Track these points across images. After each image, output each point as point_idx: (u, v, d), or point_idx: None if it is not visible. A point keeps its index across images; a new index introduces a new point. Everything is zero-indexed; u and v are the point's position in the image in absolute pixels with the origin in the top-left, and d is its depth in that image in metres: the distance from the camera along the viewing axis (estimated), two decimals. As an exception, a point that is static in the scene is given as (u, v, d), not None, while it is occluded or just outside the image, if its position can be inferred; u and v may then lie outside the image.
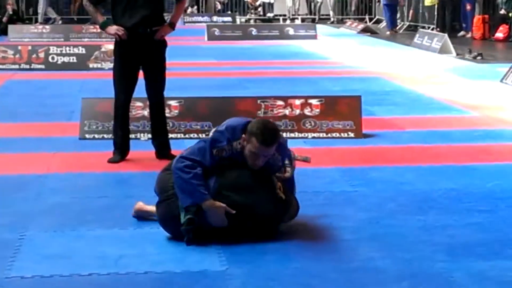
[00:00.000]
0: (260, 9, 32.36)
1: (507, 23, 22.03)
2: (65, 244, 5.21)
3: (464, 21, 24.13)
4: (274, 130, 5.29)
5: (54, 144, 8.23)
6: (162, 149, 7.58)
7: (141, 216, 5.70)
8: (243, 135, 5.25)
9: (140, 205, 5.74)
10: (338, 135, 8.68)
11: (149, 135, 7.99)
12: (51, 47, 15.28)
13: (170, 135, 7.92)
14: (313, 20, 30.59)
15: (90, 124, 8.59)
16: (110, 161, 7.52)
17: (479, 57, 17.12)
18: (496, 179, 6.90)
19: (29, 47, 15.35)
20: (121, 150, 7.59)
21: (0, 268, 4.75)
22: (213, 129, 5.53)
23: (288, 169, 5.54)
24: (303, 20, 30.99)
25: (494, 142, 8.50)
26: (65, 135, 8.71)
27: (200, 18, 29.28)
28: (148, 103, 7.80)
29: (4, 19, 24.64)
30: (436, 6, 24.78)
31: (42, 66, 14.94)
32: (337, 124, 8.72)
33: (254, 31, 23.36)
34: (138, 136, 8.46)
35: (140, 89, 7.62)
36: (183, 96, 8.98)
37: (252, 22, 30.45)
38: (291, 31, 23.24)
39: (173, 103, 8.67)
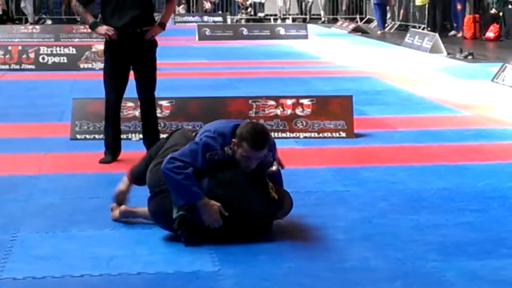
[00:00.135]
0: (250, 9, 32.35)
1: (497, 22, 22.08)
2: (56, 245, 5.20)
3: (455, 20, 24.17)
4: (264, 133, 5.27)
5: (45, 145, 8.21)
6: (154, 149, 7.55)
7: (126, 217, 5.66)
8: (233, 140, 5.23)
9: (125, 207, 5.69)
10: (329, 135, 8.68)
11: (141, 135, 7.99)
12: (41, 47, 15.24)
13: (162, 135, 7.89)
14: (304, 20, 30.61)
15: (81, 125, 8.57)
16: (102, 161, 7.50)
17: (470, 57, 17.15)
18: (488, 178, 6.91)
19: (19, 47, 15.30)
20: (113, 150, 7.58)
21: (-8, 269, 4.74)
22: (201, 132, 5.46)
23: (274, 162, 5.53)
24: (294, 20, 31.01)
25: (486, 142, 8.51)
26: (56, 136, 8.69)
27: (190, 18, 29.27)
28: (139, 103, 7.79)
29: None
30: (426, 6, 24.82)
31: (33, 67, 14.90)
32: (329, 124, 8.72)
33: (245, 31, 23.36)
34: (130, 137, 8.44)
35: (132, 89, 7.60)
36: (174, 96, 8.97)
37: (243, 22, 30.44)
38: (282, 31, 23.24)
39: (164, 103, 8.66)
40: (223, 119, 5.81)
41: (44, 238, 5.33)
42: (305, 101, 8.86)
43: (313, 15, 32.05)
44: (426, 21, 24.74)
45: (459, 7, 23.57)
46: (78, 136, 8.52)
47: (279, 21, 29.90)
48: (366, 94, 11.66)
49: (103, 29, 7.43)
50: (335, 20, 30.32)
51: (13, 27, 22.84)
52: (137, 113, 8.33)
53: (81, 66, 14.91)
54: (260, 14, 32.20)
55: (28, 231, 5.47)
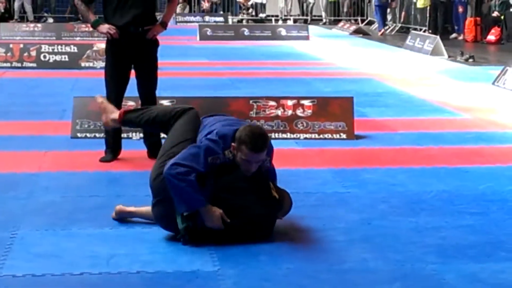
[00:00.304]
0: (251, 9, 32.36)
1: (499, 25, 22.09)
2: (56, 243, 5.20)
3: (456, 23, 24.19)
4: (262, 135, 5.25)
5: (46, 143, 8.22)
6: (154, 148, 7.54)
7: (123, 218, 5.67)
8: (232, 144, 5.20)
9: (121, 207, 5.69)
10: (330, 136, 8.68)
11: (141, 134, 7.99)
12: (43, 46, 15.25)
13: (162, 135, 7.90)
14: (305, 21, 30.62)
15: (82, 123, 8.57)
16: (102, 160, 7.51)
17: (471, 59, 17.16)
18: (488, 181, 6.91)
19: (21, 45, 15.30)
20: (113, 149, 7.59)
21: (-9, 266, 4.74)
22: (205, 131, 5.46)
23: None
24: (295, 21, 31.02)
25: (486, 145, 8.52)
26: (57, 134, 8.69)
27: (192, 18, 29.29)
28: (140, 102, 7.79)
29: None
30: (428, 8, 24.84)
31: (34, 65, 14.91)
32: (329, 125, 8.72)
33: (246, 32, 23.37)
34: (130, 136, 8.45)
35: (133, 88, 7.61)
36: (175, 96, 8.97)
37: (244, 22, 30.44)
38: (283, 32, 23.26)
39: (165, 102, 8.65)
40: (230, 117, 5.76)
41: (44, 236, 5.33)
42: (306, 102, 8.87)
43: (314, 16, 32.07)
44: (427, 24, 24.75)
45: (460, 10, 23.59)
46: (79, 135, 8.52)
47: (280, 22, 29.90)
48: (366, 96, 11.66)
49: (104, 27, 7.44)
50: (336, 22, 30.33)
51: (15, 25, 22.86)
52: (138, 112, 8.33)
53: (83, 64, 14.91)
54: (262, 15, 32.22)
55: (28, 228, 5.47)
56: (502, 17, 22.04)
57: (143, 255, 4.98)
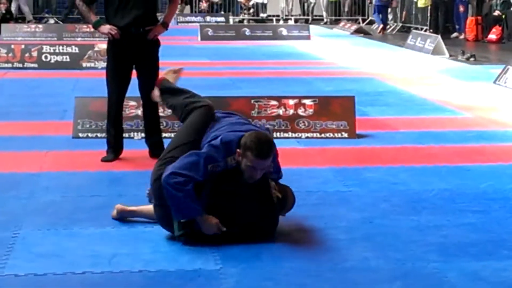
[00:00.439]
0: (252, 9, 32.35)
1: (500, 24, 22.09)
2: (58, 242, 5.20)
3: (457, 22, 24.19)
4: (268, 142, 5.19)
5: (47, 143, 8.22)
6: (156, 148, 7.56)
7: (123, 217, 5.67)
8: (238, 150, 5.15)
9: (121, 206, 5.69)
10: (331, 135, 8.69)
11: (143, 134, 7.99)
12: (44, 46, 15.25)
13: (164, 135, 7.92)
14: (306, 21, 30.62)
15: (83, 123, 8.58)
16: (104, 160, 7.51)
17: (472, 59, 17.16)
18: (489, 179, 6.91)
19: (22, 46, 15.31)
20: (115, 149, 7.59)
21: (-6, 266, 4.75)
22: (211, 135, 5.38)
23: None
24: (296, 20, 31.02)
25: (487, 143, 8.52)
26: (58, 134, 8.70)
27: (193, 18, 29.28)
28: (141, 102, 7.80)
29: (-3, 17, 24.61)
30: (429, 8, 24.83)
31: (35, 65, 14.91)
32: (331, 124, 8.73)
33: (247, 31, 23.37)
34: (132, 135, 8.46)
35: (134, 88, 7.61)
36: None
37: (245, 22, 30.45)
38: (284, 32, 23.25)
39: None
40: (239, 119, 5.69)
41: (45, 236, 5.34)
42: (307, 102, 8.87)
43: (315, 16, 32.07)
44: (428, 23, 24.74)
45: (461, 9, 23.59)
46: (80, 135, 8.53)
47: (281, 22, 29.91)
48: (368, 95, 11.66)
49: (106, 28, 7.44)
50: (337, 21, 30.33)
51: (16, 25, 22.85)
52: (139, 112, 8.35)
53: (84, 65, 14.92)
54: (263, 15, 32.21)
55: (30, 228, 5.48)
56: (503, 16, 22.03)
57: (145, 254, 4.99)
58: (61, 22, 26.74)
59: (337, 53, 18.93)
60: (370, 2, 29.49)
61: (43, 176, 6.98)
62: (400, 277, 4.64)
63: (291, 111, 8.79)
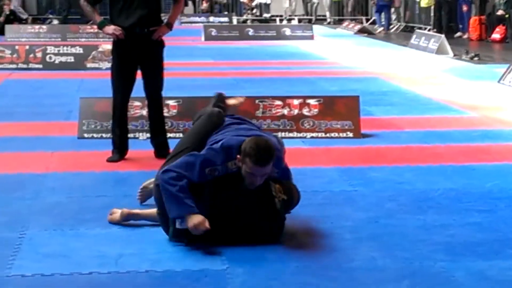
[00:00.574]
0: (256, 9, 32.37)
1: (503, 24, 22.07)
2: (64, 243, 5.21)
3: (460, 22, 24.18)
4: (267, 149, 5.10)
5: (53, 144, 8.23)
6: (161, 148, 7.58)
7: (127, 221, 5.63)
8: (238, 156, 5.11)
9: (127, 210, 5.61)
10: (336, 135, 8.69)
11: (148, 135, 8.00)
12: (48, 47, 15.28)
13: (169, 135, 7.92)
14: (310, 21, 30.65)
15: (88, 124, 8.59)
16: (109, 160, 7.51)
17: (476, 58, 17.15)
18: (495, 179, 6.90)
19: (27, 47, 15.34)
20: (120, 149, 7.59)
21: (1, 266, 4.74)
22: (214, 138, 5.36)
23: None
24: (299, 20, 31.03)
25: (493, 142, 8.51)
26: (64, 135, 8.71)
27: (197, 19, 29.32)
28: (146, 102, 7.80)
29: (1, 18, 24.62)
30: (432, 7, 24.82)
31: (40, 66, 14.94)
32: (336, 124, 8.73)
33: (251, 32, 23.38)
34: (137, 136, 8.46)
35: (139, 88, 7.62)
36: (181, 96, 8.97)
37: (249, 22, 30.46)
38: (287, 32, 23.26)
39: (171, 102, 8.67)
40: (246, 125, 5.65)
41: (52, 236, 5.34)
42: (312, 101, 8.87)
43: (319, 16, 32.10)
44: (431, 23, 24.73)
45: (465, 8, 23.57)
46: (86, 135, 8.54)
47: (285, 22, 29.91)
48: (372, 95, 11.66)
49: (110, 28, 7.45)
50: (340, 21, 30.34)
51: (20, 26, 22.88)
52: (144, 112, 8.35)
53: (88, 65, 14.94)
54: (266, 15, 32.23)
55: (36, 229, 5.48)
56: (507, 15, 22.01)
57: (151, 255, 4.99)
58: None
59: (341, 53, 18.93)
60: (374, 2, 29.48)
61: (49, 176, 6.99)
62: (408, 276, 4.64)
63: (296, 111, 8.79)
